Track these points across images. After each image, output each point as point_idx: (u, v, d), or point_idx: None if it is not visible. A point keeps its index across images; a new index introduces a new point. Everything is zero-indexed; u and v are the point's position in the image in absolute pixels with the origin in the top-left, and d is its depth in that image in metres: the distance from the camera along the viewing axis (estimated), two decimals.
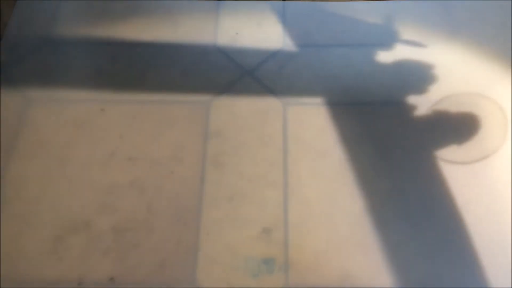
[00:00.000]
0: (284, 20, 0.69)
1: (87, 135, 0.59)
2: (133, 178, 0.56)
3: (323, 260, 0.51)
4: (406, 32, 0.66)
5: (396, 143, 0.58)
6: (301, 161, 0.57)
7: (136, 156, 0.58)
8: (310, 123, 0.59)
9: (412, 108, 0.60)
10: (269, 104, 0.61)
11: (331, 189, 0.55)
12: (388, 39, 0.66)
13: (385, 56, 0.64)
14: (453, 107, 0.60)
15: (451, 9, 0.69)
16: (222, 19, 0.69)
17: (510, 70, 0.62)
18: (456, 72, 0.63)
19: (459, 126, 0.59)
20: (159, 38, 0.67)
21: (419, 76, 0.63)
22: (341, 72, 0.63)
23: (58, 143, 0.59)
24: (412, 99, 0.61)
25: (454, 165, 0.56)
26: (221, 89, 0.62)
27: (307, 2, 0.70)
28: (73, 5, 0.71)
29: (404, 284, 0.49)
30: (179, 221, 0.53)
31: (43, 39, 0.68)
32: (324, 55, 0.65)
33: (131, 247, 0.52)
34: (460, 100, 0.61)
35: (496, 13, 0.68)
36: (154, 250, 0.52)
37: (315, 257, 0.51)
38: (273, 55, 0.65)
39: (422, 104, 0.60)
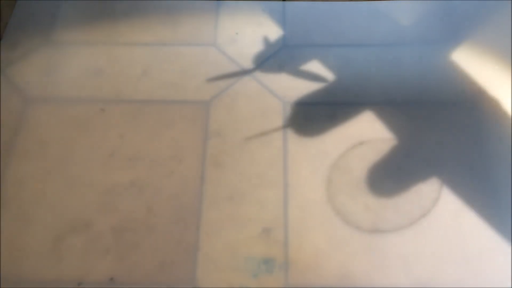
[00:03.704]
0: (284, 20, 0.69)
1: (87, 135, 0.59)
2: (133, 178, 0.56)
3: (323, 260, 0.51)
4: (406, 32, 0.66)
5: (396, 143, 0.58)
6: (301, 161, 0.57)
7: (136, 156, 0.58)
8: (310, 123, 0.59)
9: (412, 108, 0.60)
10: (269, 104, 0.61)
11: (331, 189, 0.55)
12: (388, 39, 0.66)
13: (385, 56, 0.64)
14: (453, 107, 0.60)
15: (451, 9, 0.69)
16: (222, 19, 0.69)
17: (510, 70, 0.62)
18: (456, 72, 0.63)
19: (459, 126, 0.59)
20: (159, 38, 0.67)
21: (419, 76, 0.63)
22: (341, 72, 0.63)
23: (58, 143, 0.59)
24: (412, 99, 0.61)
25: (453, 166, 0.56)
26: (221, 89, 0.63)
27: (307, 2, 0.70)
28: (73, 5, 0.71)
29: (404, 284, 0.49)
30: (179, 221, 0.53)
31: (43, 39, 0.68)
32: (324, 55, 0.65)
33: (131, 247, 0.52)
34: (460, 100, 0.61)
35: (496, 13, 0.68)
36: (154, 250, 0.52)
37: (315, 257, 0.51)
38: (273, 55, 0.65)
39: (422, 104, 0.60)
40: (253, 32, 0.68)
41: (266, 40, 0.67)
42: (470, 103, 0.60)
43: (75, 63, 0.65)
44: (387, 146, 0.58)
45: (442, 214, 0.53)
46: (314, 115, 0.60)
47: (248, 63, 0.65)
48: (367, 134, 0.58)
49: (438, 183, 0.55)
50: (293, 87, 0.62)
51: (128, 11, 0.70)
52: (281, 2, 0.70)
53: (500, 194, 0.54)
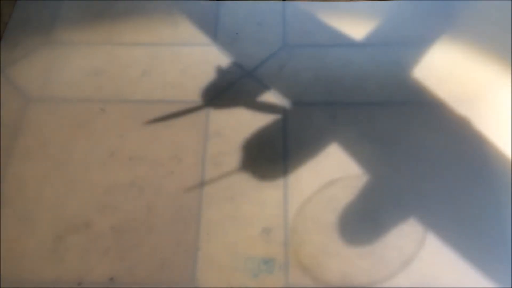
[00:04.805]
0: (284, 20, 0.69)
1: (87, 135, 0.59)
2: (133, 178, 0.56)
3: (323, 260, 0.51)
4: (406, 32, 0.66)
5: (396, 143, 0.58)
6: (300, 162, 0.57)
7: (136, 156, 0.58)
8: (310, 123, 0.59)
9: (412, 108, 0.60)
10: (269, 104, 0.61)
11: (331, 189, 0.55)
12: (388, 39, 0.66)
13: (384, 56, 0.64)
14: (453, 108, 0.60)
15: (451, 9, 0.69)
16: (222, 19, 0.69)
17: (510, 70, 0.62)
18: (456, 72, 0.63)
19: (459, 126, 0.59)
20: (159, 38, 0.67)
21: (419, 76, 0.63)
22: (341, 72, 0.63)
23: (58, 143, 0.59)
24: (412, 99, 0.61)
25: (451, 166, 0.56)
26: (221, 89, 0.62)
27: (307, 2, 0.70)
28: (73, 5, 0.71)
29: (404, 284, 0.49)
30: (179, 221, 0.53)
31: (43, 39, 0.68)
32: (324, 55, 0.65)
33: (131, 247, 0.52)
34: (460, 100, 0.61)
35: (496, 13, 0.68)
36: (154, 250, 0.52)
37: (315, 257, 0.51)
38: (273, 55, 0.65)
39: (422, 104, 0.60)
40: (253, 32, 0.68)
41: (266, 40, 0.67)
42: (470, 103, 0.60)
43: (75, 63, 0.65)
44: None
45: (443, 214, 0.53)
46: (314, 115, 0.60)
47: (248, 63, 0.65)
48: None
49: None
50: (293, 87, 0.62)
51: (128, 11, 0.70)
52: (281, 2, 0.70)
53: (500, 191, 0.54)
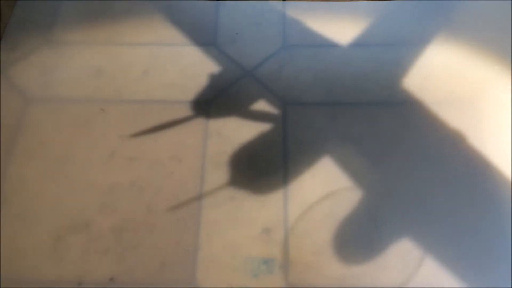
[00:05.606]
0: (284, 20, 0.69)
1: (87, 135, 0.59)
2: (133, 178, 0.56)
3: (323, 260, 0.51)
4: (406, 32, 0.66)
5: (396, 143, 0.58)
6: (301, 161, 0.57)
7: (136, 156, 0.58)
8: (310, 123, 0.59)
9: (412, 108, 0.60)
10: (269, 104, 0.61)
11: (331, 189, 0.55)
12: (388, 39, 0.66)
13: (385, 56, 0.64)
14: (453, 107, 0.60)
15: (451, 9, 0.69)
16: (222, 19, 0.69)
17: (510, 70, 0.62)
18: (456, 72, 0.63)
19: (459, 128, 0.59)
20: (159, 38, 0.67)
21: (419, 76, 0.63)
22: (341, 72, 0.63)
23: (58, 143, 0.59)
24: (412, 99, 0.61)
25: (451, 167, 0.56)
26: (221, 89, 0.63)
27: (307, 2, 0.70)
28: (73, 5, 0.71)
29: (404, 284, 0.49)
30: (179, 221, 0.53)
31: (43, 39, 0.68)
32: (324, 55, 0.65)
33: (131, 247, 0.52)
34: (460, 100, 0.61)
35: (496, 13, 0.68)
36: (154, 250, 0.52)
37: (315, 257, 0.51)
38: (273, 55, 0.65)
39: (422, 104, 0.60)
40: (253, 32, 0.68)
41: (266, 40, 0.67)
42: (470, 103, 0.60)
43: (75, 63, 0.65)
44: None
45: (442, 213, 0.53)
46: (314, 115, 0.60)
47: (248, 63, 0.65)
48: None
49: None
50: (293, 87, 0.62)
51: (128, 11, 0.70)
52: (281, 2, 0.70)
53: (501, 191, 0.54)
